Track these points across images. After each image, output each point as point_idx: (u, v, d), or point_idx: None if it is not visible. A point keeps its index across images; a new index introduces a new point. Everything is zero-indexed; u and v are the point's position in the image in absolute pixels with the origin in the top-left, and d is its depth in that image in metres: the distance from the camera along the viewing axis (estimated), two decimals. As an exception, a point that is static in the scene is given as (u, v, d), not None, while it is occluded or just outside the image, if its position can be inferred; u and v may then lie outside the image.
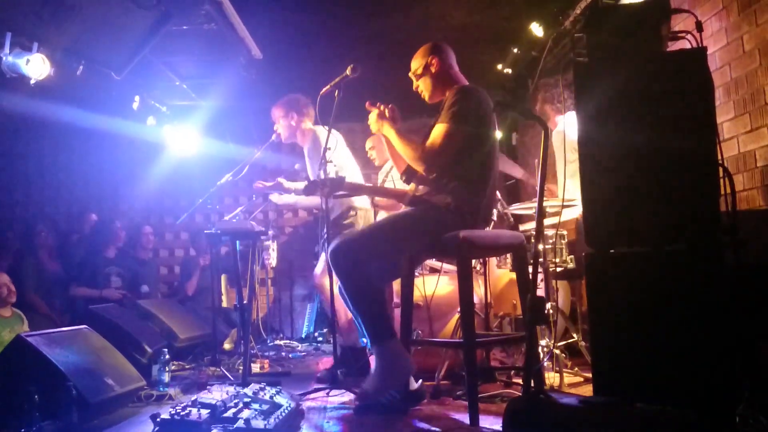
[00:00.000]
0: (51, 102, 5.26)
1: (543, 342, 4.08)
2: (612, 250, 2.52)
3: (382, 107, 3.48)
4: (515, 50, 5.90)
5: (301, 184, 4.79)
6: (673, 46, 2.77)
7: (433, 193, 3.28)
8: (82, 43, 3.61)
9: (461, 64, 3.55)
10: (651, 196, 2.47)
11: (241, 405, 2.81)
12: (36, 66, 4.06)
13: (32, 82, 4.09)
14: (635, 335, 2.41)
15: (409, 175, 3.47)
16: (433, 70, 3.47)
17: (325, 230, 4.48)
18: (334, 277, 3.43)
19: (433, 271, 4.61)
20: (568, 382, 3.85)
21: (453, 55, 3.54)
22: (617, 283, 2.47)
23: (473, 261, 4.15)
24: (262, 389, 3.19)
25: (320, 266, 4.67)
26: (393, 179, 4.99)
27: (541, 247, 4.09)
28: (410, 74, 3.56)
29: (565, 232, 4.45)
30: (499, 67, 6.19)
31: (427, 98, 3.54)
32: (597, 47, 2.56)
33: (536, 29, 5.14)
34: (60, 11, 3.23)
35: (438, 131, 3.22)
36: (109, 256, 6.59)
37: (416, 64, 3.53)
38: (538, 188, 2.62)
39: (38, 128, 7.39)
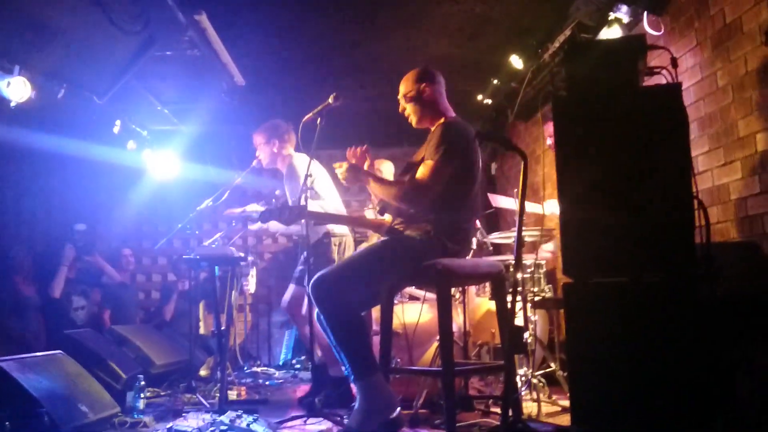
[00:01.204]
0: (30, 125, 5.22)
1: (521, 371, 4.09)
2: (590, 280, 2.54)
3: (356, 150, 3.49)
4: (495, 81, 6.00)
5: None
6: (649, 81, 2.83)
7: (412, 222, 3.29)
8: (65, 66, 3.62)
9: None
10: (628, 227, 2.50)
11: (217, 433, 2.79)
12: (17, 89, 4.05)
13: (12, 104, 4.09)
14: (612, 365, 2.43)
15: (383, 206, 3.48)
16: (424, 96, 3.43)
17: (303, 258, 4.50)
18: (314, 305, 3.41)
19: (413, 298, 4.62)
20: (546, 411, 3.86)
21: (443, 83, 3.52)
22: (595, 312, 2.49)
23: (452, 289, 4.17)
24: (238, 417, 3.17)
25: (289, 294, 4.68)
26: None
27: (519, 276, 4.12)
28: (400, 96, 3.52)
29: (543, 261, 4.49)
30: (479, 97, 6.27)
31: (414, 123, 3.51)
32: (575, 81, 2.62)
33: (516, 62, 5.23)
34: (43, 35, 3.24)
35: (426, 168, 3.20)
36: (68, 277, 6.51)
37: (408, 87, 3.48)
38: (517, 218, 2.66)
39: (16, 151, 7.30)
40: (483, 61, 5.62)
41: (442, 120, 3.39)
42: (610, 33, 4.14)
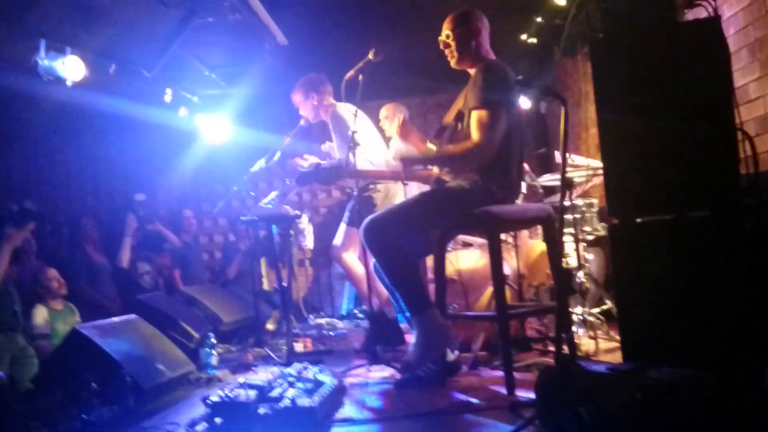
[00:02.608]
0: (87, 98, 5.40)
1: (578, 310, 4.15)
2: (635, 220, 2.56)
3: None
4: (538, 19, 5.88)
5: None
6: (691, 12, 2.78)
7: (459, 172, 3.33)
8: (113, 44, 3.75)
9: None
10: (672, 163, 2.51)
11: (286, 384, 2.93)
12: (71, 68, 4.22)
13: (69, 83, 4.26)
14: (661, 302, 2.48)
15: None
16: (471, 37, 3.39)
17: (351, 204, 4.63)
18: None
19: (466, 245, 4.69)
20: (604, 347, 3.91)
21: (488, 26, 3.47)
22: (641, 251, 2.52)
23: (504, 234, 4.23)
24: (305, 368, 3.31)
25: (338, 238, 4.78)
26: None
27: (570, 216, 4.14)
28: (443, 34, 3.44)
29: (595, 200, 4.49)
30: (523, 37, 6.17)
31: (453, 63, 3.47)
32: (612, 22, 2.60)
33: (558, -2, 5.12)
34: (91, 16, 3.37)
35: (481, 119, 3.16)
36: (132, 245, 6.80)
37: (454, 25, 3.42)
38: (560, 161, 2.68)
39: (76, 124, 7.61)
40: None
41: (482, 64, 3.36)
42: (652, -38, 4.00)
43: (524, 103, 5.94)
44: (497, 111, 3.15)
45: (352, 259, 4.72)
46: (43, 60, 4.20)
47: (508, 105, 3.22)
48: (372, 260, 3.39)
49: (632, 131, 2.54)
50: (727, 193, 2.44)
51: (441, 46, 3.48)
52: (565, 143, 2.61)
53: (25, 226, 3.85)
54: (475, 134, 3.17)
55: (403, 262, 3.23)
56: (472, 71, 3.41)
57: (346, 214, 4.78)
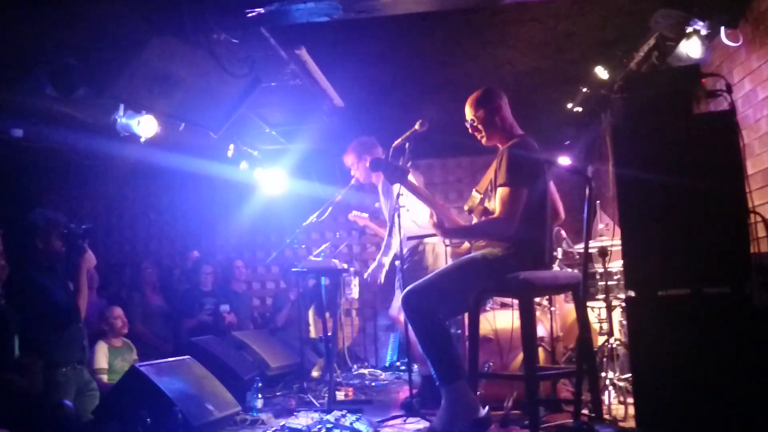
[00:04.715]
0: (156, 152, 5.84)
1: (611, 375, 4.25)
2: (652, 294, 2.73)
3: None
4: (584, 90, 6.09)
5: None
6: (713, 101, 2.98)
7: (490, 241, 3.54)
8: (184, 108, 4.13)
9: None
10: (687, 241, 2.68)
11: (324, 430, 3.16)
12: (145, 126, 4.65)
13: (142, 140, 4.68)
14: (675, 373, 2.62)
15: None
16: (493, 116, 3.61)
17: (398, 266, 4.86)
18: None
19: (504, 306, 4.86)
20: (633, 413, 3.98)
21: (506, 98, 3.67)
22: (657, 323, 2.68)
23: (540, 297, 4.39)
24: (343, 416, 3.53)
25: (395, 302, 5.02)
26: None
27: (603, 283, 4.29)
28: (467, 119, 3.68)
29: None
30: (569, 105, 6.37)
31: (484, 142, 3.71)
32: (633, 111, 2.82)
33: (601, 72, 5.33)
34: (166, 84, 3.75)
35: (503, 197, 3.37)
36: (205, 289, 7.16)
37: (476, 109, 3.64)
38: (584, 233, 2.89)
39: (145, 174, 8.15)
40: (570, 71, 5.74)
41: (509, 142, 3.55)
42: (690, 45, 4.20)
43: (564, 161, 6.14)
44: (518, 189, 3.35)
45: None
46: (121, 118, 4.65)
47: (532, 181, 3.42)
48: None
49: (649, 209, 2.73)
50: (741, 272, 2.60)
51: (470, 131, 3.72)
52: (588, 218, 2.82)
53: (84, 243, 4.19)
54: (497, 209, 3.40)
55: (438, 332, 3.42)
56: (501, 146, 3.64)
57: (398, 278, 5.01)
